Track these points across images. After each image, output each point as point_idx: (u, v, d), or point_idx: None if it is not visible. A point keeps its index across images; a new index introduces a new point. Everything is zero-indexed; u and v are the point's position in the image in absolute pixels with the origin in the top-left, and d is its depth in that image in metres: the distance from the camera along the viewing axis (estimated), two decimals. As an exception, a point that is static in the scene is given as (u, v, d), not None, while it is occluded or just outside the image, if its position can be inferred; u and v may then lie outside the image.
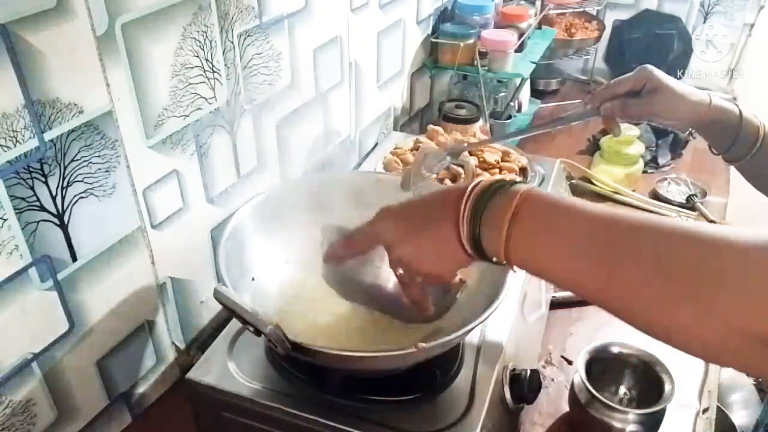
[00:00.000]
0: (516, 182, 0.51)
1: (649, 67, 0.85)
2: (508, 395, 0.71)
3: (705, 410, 0.89)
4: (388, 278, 0.66)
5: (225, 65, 0.81)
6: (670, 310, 0.43)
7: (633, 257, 0.44)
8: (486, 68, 1.37)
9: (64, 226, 0.65)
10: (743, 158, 0.85)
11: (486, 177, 0.61)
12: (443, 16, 1.45)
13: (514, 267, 0.51)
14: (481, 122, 1.24)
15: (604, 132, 1.43)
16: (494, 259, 0.51)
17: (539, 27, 1.63)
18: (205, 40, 0.76)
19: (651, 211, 1.33)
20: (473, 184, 0.51)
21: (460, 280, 0.63)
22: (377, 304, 0.68)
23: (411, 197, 0.59)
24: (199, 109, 0.79)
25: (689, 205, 1.32)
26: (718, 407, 1.01)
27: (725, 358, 0.44)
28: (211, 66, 0.78)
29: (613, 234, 0.45)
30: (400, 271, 0.59)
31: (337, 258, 0.64)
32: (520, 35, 1.42)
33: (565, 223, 0.47)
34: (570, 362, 0.97)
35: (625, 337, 0.87)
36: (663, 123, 0.91)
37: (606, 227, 0.46)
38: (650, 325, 0.45)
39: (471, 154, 1.02)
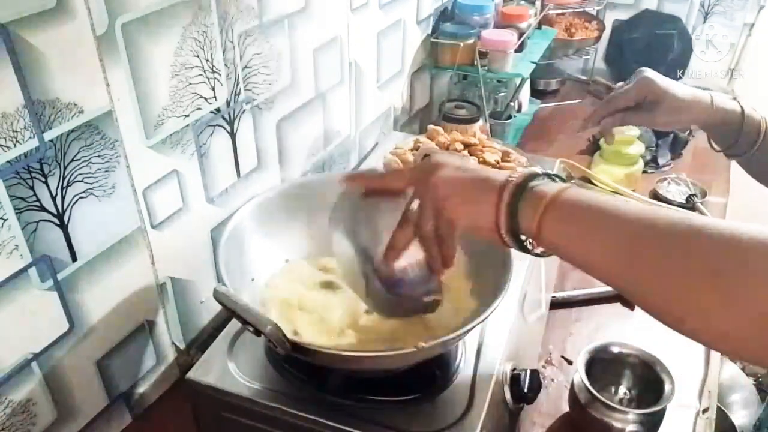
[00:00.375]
0: (555, 176, 0.53)
1: (649, 74, 0.83)
2: (508, 395, 0.71)
3: (705, 410, 0.89)
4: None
5: (225, 65, 0.81)
6: (690, 301, 0.45)
7: (659, 252, 0.46)
8: (486, 68, 1.37)
9: (64, 226, 0.65)
10: (745, 154, 0.85)
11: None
12: (443, 16, 1.45)
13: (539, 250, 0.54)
14: (481, 122, 1.24)
15: (604, 132, 1.43)
16: (524, 239, 0.53)
17: (539, 27, 1.63)
18: (205, 40, 0.76)
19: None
20: (510, 175, 0.54)
21: (435, 299, 0.63)
22: (359, 271, 0.63)
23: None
24: (199, 109, 0.79)
25: (689, 205, 1.32)
26: (718, 407, 1.01)
27: (744, 349, 0.45)
28: (211, 66, 0.78)
29: (643, 229, 0.47)
30: (415, 204, 0.57)
31: (363, 181, 0.61)
32: (520, 35, 1.42)
33: (594, 219, 0.50)
34: (570, 362, 0.97)
35: (625, 337, 0.87)
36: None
37: (636, 221, 0.48)
38: (668, 312, 0.47)
39: (471, 154, 1.02)
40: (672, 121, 0.84)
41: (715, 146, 0.89)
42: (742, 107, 0.84)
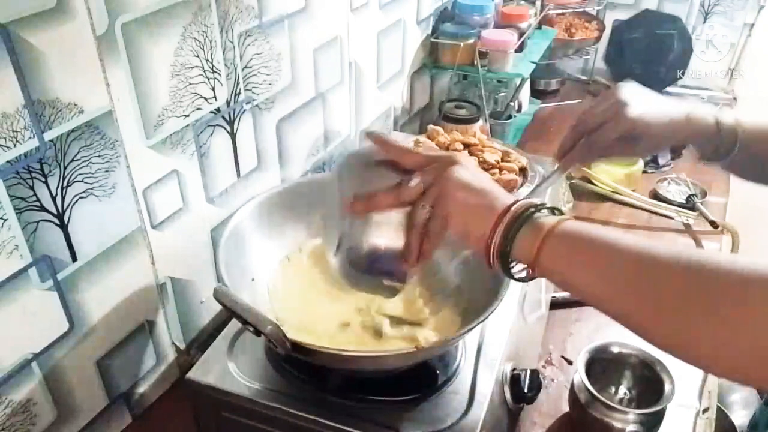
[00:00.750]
0: (555, 209, 0.54)
1: (624, 101, 0.74)
2: (508, 395, 0.71)
3: (705, 410, 0.89)
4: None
5: (225, 65, 0.81)
6: (689, 335, 0.46)
7: (660, 286, 0.47)
8: (486, 68, 1.37)
9: (64, 226, 0.65)
10: (723, 159, 0.81)
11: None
12: (443, 16, 1.45)
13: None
14: (481, 122, 1.24)
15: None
16: (512, 264, 0.54)
17: (539, 27, 1.63)
18: (205, 40, 0.76)
19: (651, 211, 1.33)
20: (515, 201, 0.54)
21: (393, 284, 0.63)
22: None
23: None
24: (199, 109, 0.79)
25: (689, 205, 1.32)
26: (718, 407, 1.01)
27: (750, 380, 0.46)
28: (211, 66, 0.79)
29: (641, 269, 0.48)
30: (420, 183, 0.57)
31: (385, 147, 0.61)
32: (520, 35, 1.42)
33: (595, 249, 0.50)
34: (570, 362, 0.97)
35: (625, 337, 0.87)
36: None
37: (636, 255, 0.48)
38: (665, 342, 0.48)
39: (471, 154, 1.02)
40: (653, 150, 0.83)
41: (695, 153, 0.85)
42: (717, 119, 0.78)
